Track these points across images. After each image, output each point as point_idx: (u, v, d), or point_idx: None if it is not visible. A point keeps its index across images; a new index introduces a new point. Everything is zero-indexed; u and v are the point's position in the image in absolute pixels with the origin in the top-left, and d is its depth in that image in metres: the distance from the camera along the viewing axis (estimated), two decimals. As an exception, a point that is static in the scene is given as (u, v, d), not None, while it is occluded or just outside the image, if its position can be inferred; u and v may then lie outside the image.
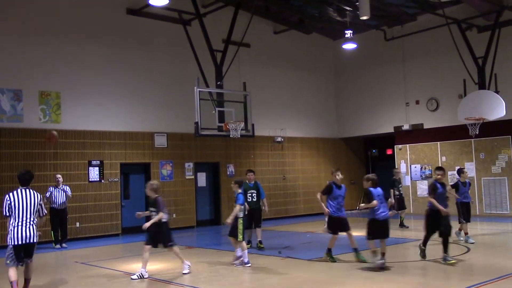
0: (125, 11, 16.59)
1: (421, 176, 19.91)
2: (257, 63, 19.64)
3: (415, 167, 20.11)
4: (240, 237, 9.77)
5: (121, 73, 16.39)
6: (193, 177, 17.84)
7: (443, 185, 9.67)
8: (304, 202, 20.82)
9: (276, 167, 20.23)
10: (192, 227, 17.49)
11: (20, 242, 7.31)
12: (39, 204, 7.59)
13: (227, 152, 18.77)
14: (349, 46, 18.96)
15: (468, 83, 16.72)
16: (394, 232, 11.48)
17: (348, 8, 17.62)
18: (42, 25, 15.04)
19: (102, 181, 15.72)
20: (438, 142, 19.48)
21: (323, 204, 9.94)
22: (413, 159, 20.25)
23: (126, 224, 15.76)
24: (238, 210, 9.83)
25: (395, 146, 20.88)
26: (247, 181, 12.09)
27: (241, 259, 9.79)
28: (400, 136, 20.60)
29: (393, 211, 15.29)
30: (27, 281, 7.72)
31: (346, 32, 17.98)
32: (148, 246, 8.99)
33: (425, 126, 19.73)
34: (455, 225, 10.63)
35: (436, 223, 9.32)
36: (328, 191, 9.86)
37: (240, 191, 10.01)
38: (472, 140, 18.16)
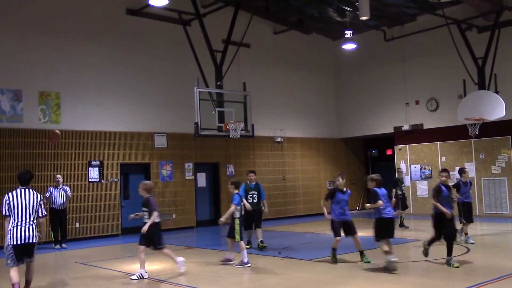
0: (125, 11, 16.59)
1: (421, 176, 19.91)
2: (257, 63, 19.65)
3: (415, 167, 20.11)
4: (237, 237, 9.78)
5: (121, 73, 16.39)
6: (193, 177, 17.84)
7: (448, 187, 9.50)
8: (304, 203, 20.82)
9: (276, 167, 20.23)
10: (192, 228, 17.50)
11: (19, 242, 7.26)
12: (39, 204, 7.51)
13: (227, 152, 18.77)
14: (349, 46, 18.97)
15: (468, 83, 16.72)
16: (395, 232, 11.44)
17: (347, 9, 17.62)
18: (42, 25, 15.04)
19: (102, 181, 15.72)
20: (438, 143, 19.49)
21: (325, 210, 9.97)
22: (413, 159, 20.25)
23: (126, 224, 15.73)
24: (233, 210, 9.85)
25: (395, 146, 20.89)
26: (248, 182, 12.08)
27: (232, 262, 9.88)
28: (400, 136, 20.60)
29: (398, 210, 15.34)
30: (28, 282, 7.68)
31: (346, 32, 18.00)
32: (142, 247, 8.99)
33: (425, 126, 19.73)
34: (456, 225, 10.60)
35: (440, 226, 9.23)
36: (330, 196, 9.89)
37: (236, 191, 10.02)
38: (472, 140, 18.17)
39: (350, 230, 9.77)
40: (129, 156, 16.42)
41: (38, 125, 14.66)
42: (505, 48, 16.97)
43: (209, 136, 15.75)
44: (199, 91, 13.83)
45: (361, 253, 9.69)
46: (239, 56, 16.11)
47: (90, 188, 15.49)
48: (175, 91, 17.20)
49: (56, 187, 13.64)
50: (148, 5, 15.22)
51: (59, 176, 13.83)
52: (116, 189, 16.03)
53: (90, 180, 15.49)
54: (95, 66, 15.88)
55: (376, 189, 9.04)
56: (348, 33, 17.93)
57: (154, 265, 9.90)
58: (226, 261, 10.02)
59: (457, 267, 8.86)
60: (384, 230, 8.95)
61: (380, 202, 8.85)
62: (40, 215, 7.55)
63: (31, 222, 7.38)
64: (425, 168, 19.82)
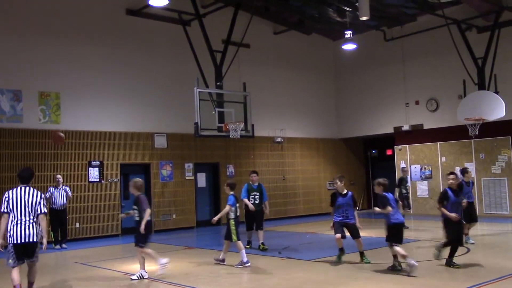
0: (125, 12, 16.58)
1: (421, 176, 19.91)
2: (257, 63, 19.64)
3: (415, 167, 20.11)
4: (234, 237, 9.79)
5: (121, 73, 16.39)
6: (193, 177, 17.84)
7: (456, 192, 9.29)
8: (304, 203, 20.81)
9: (276, 168, 20.23)
10: (192, 228, 17.49)
11: (19, 241, 7.19)
12: (39, 202, 7.37)
13: (227, 152, 18.77)
14: (349, 46, 18.97)
15: (467, 84, 16.73)
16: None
17: (347, 9, 17.63)
18: (42, 25, 15.03)
19: (102, 181, 15.72)
20: (438, 143, 19.49)
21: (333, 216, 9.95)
22: (413, 159, 20.25)
23: (126, 224, 15.69)
24: (227, 210, 9.88)
25: (395, 146, 20.89)
26: (250, 183, 12.06)
27: (224, 262, 9.91)
28: (400, 136, 20.60)
29: (406, 209, 15.36)
30: (30, 284, 7.60)
31: (346, 32, 18.00)
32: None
33: (425, 127, 19.73)
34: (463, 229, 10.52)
35: (449, 230, 9.13)
36: (332, 202, 9.89)
37: (232, 193, 10.02)
38: (472, 140, 18.17)
39: (353, 234, 9.72)
40: (129, 156, 16.42)
41: (38, 125, 14.66)
42: (505, 48, 16.98)
43: (209, 136, 15.76)
44: (199, 91, 13.83)
45: (361, 254, 9.68)
46: (239, 56, 16.12)
47: (90, 188, 15.49)
48: (175, 91, 17.20)
49: (56, 187, 13.64)
50: (148, 5, 15.22)
51: (59, 176, 13.83)
52: (116, 189, 16.03)
53: (90, 180, 15.49)
54: (95, 66, 15.88)
55: (386, 194, 8.98)
56: (348, 33, 17.92)
57: (154, 265, 9.88)
58: (218, 261, 10.05)
59: (457, 267, 8.86)
60: (394, 236, 8.81)
61: (389, 208, 8.79)
62: (39, 211, 7.37)
63: (31, 221, 7.29)
64: (425, 169, 19.82)
